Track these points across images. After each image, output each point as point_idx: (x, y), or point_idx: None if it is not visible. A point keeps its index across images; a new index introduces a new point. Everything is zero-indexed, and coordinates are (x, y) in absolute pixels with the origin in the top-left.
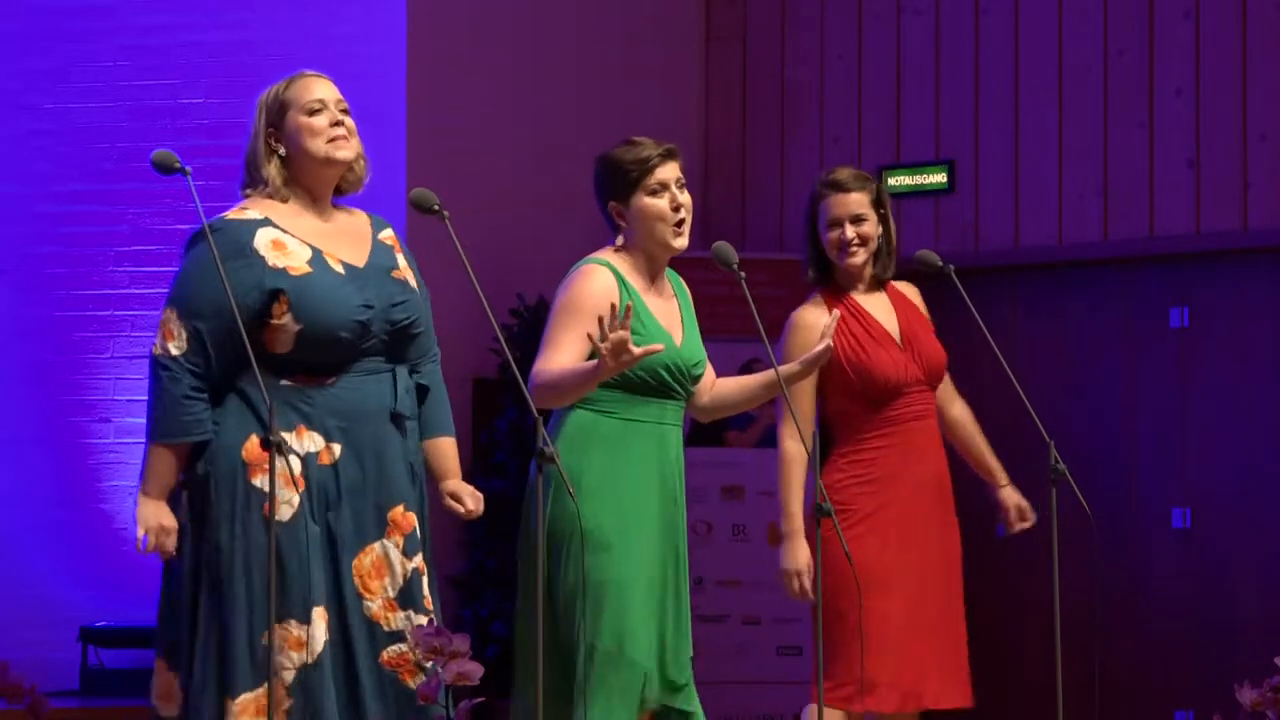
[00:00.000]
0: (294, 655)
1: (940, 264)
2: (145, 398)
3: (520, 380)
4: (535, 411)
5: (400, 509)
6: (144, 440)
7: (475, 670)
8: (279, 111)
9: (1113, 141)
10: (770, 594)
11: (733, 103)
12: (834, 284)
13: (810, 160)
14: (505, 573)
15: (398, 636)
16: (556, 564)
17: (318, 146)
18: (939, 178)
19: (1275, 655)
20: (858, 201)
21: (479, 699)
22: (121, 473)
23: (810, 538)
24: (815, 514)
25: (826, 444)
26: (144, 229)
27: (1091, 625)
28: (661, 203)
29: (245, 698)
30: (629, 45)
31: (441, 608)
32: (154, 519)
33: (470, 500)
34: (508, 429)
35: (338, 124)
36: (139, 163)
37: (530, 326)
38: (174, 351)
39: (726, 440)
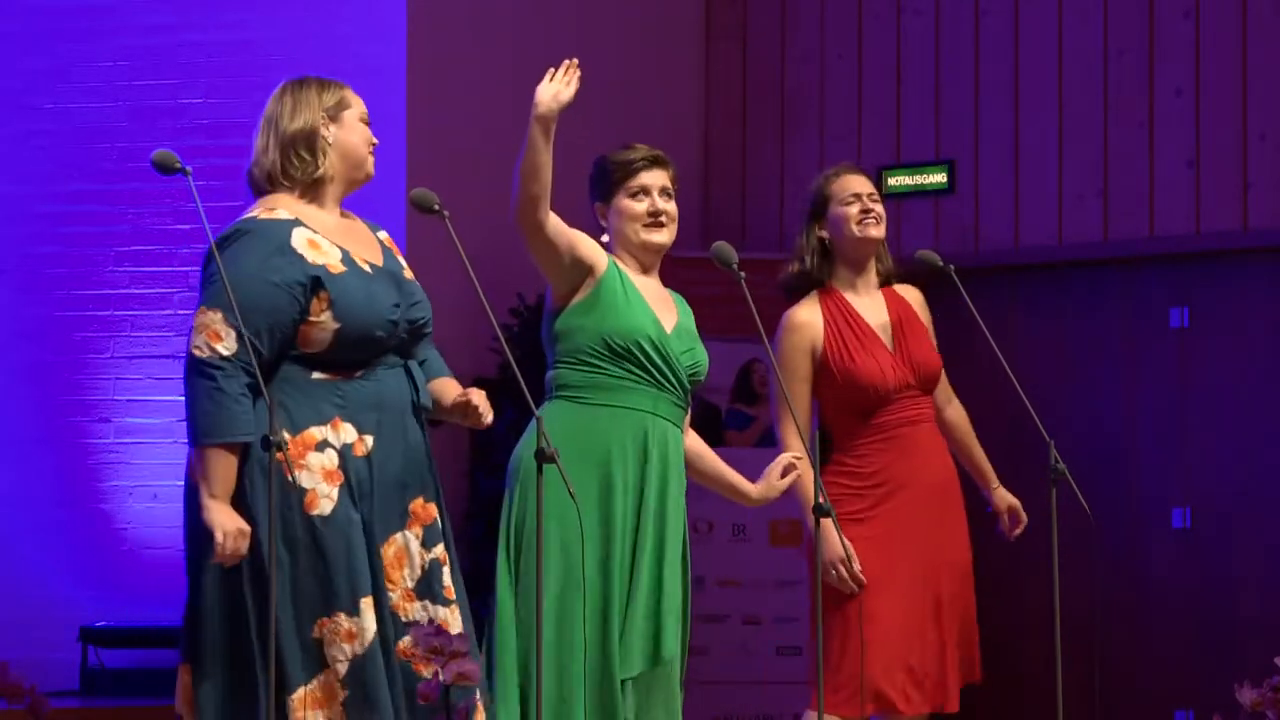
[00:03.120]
0: (346, 647)
1: (940, 264)
2: (147, 398)
3: (520, 380)
4: (538, 414)
5: (420, 501)
6: (191, 444)
7: (475, 670)
8: (337, 106)
9: (1113, 141)
10: (770, 594)
11: (733, 103)
12: (827, 283)
13: (810, 160)
14: None
15: (413, 627)
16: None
17: (363, 158)
18: (939, 178)
19: (1275, 655)
20: (869, 182)
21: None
22: (121, 473)
23: (809, 538)
24: (815, 513)
25: (825, 449)
26: (144, 229)
27: (1091, 625)
28: (639, 205)
29: (300, 693)
30: (629, 45)
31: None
32: (230, 523)
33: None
34: (507, 429)
35: (372, 143)
36: (139, 163)
37: (530, 326)
38: (224, 352)
39: (726, 440)
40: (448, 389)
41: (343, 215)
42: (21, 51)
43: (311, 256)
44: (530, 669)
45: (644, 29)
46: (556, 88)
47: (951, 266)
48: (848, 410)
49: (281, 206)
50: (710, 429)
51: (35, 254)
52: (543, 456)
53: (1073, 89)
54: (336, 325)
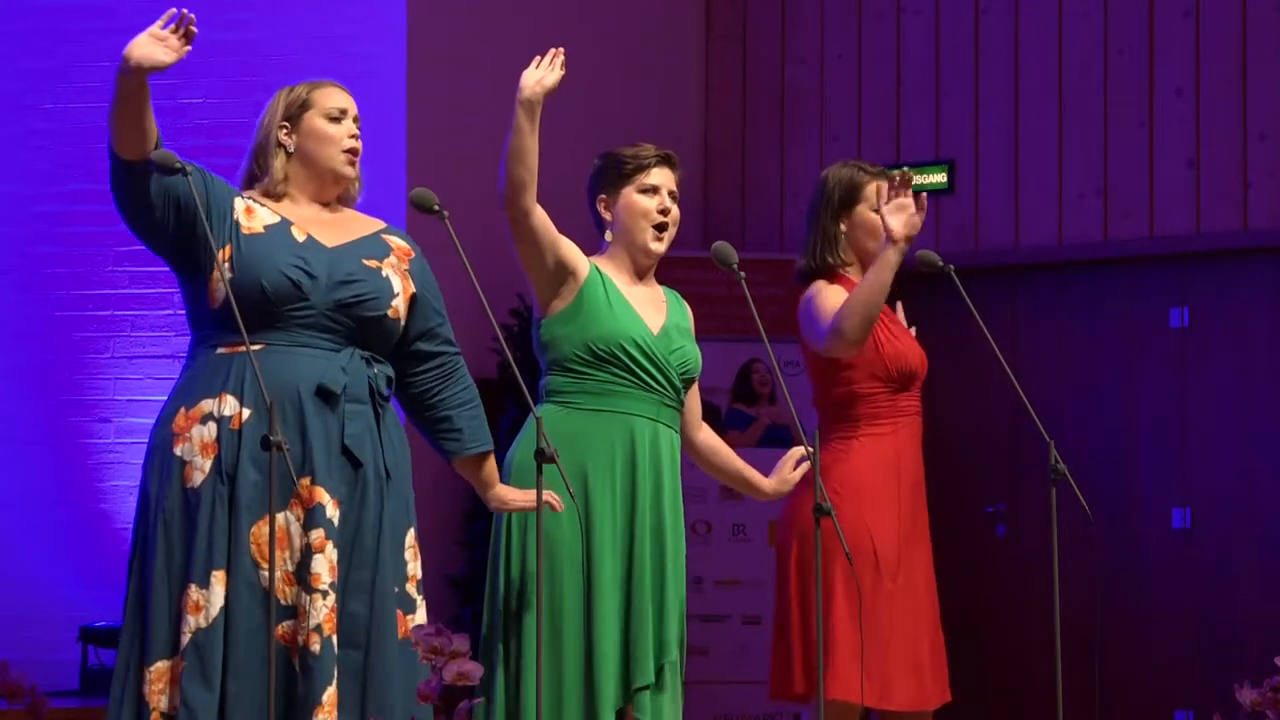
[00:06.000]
0: (191, 619)
1: (940, 264)
2: (147, 398)
3: (520, 380)
4: (536, 413)
5: (305, 481)
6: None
7: (475, 670)
8: (300, 108)
9: (1113, 141)
10: (770, 594)
11: (733, 103)
12: (838, 273)
13: (810, 160)
14: None
15: (291, 611)
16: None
17: (331, 154)
18: (939, 178)
19: (1275, 655)
20: None
21: (479, 699)
22: (121, 473)
23: (810, 535)
24: (815, 514)
25: (844, 423)
26: None
27: (1091, 625)
28: (649, 202)
29: (160, 665)
30: (629, 45)
31: (440, 608)
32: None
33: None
34: (508, 429)
35: (354, 137)
36: None
37: (530, 326)
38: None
39: (727, 440)
40: (489, 477)
41: (345, 212)
42: (21, 51)
43: (239, 215)
44: (518, 672)
45: (644, 29)
46: (541, 74)
47: (951, 266)
48: (884, 387)
49: (246, 195)
50: (711, 428)
51: (35, 254)
52: (542, 457)
53: (1073, 89)
54: (230, 275)
